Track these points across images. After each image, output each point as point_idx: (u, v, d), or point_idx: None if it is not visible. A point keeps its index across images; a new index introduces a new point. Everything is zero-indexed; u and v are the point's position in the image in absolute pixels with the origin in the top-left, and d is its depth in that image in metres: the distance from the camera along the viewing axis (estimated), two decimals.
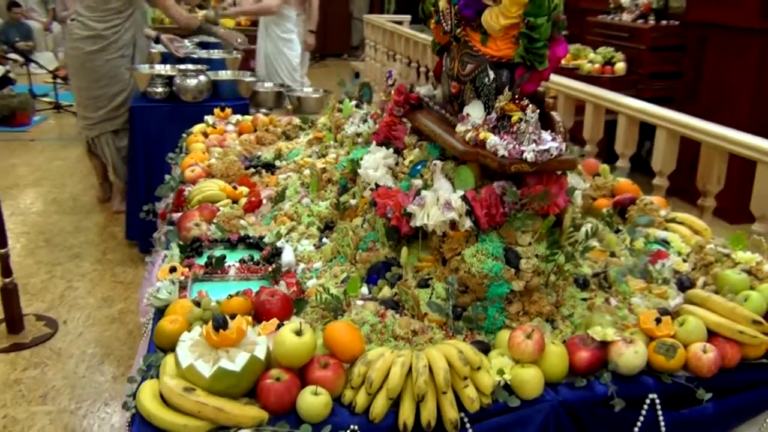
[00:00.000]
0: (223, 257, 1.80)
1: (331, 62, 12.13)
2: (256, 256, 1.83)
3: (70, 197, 4.93)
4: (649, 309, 1.57)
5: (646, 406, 1.39)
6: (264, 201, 2.28)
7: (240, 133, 3.08)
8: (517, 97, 1.58)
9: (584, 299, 1.59)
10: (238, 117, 3.24)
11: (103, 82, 3.93)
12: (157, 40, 4.29)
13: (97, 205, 4.76)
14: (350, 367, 1.32)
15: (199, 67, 3.97)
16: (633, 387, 1.40)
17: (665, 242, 1.96)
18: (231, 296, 1.54)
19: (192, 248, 1.87)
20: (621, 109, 2.94)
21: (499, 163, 1.49)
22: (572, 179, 1.61)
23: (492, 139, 1.53)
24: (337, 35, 12.40)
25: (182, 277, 1.70)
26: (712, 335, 1.48)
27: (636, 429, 1.39)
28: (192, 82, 3.82)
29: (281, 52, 5.37)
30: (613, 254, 1.81)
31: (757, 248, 1.77)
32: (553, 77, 3.52)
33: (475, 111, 1.70)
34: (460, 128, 1.66)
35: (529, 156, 1.47)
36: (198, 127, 3.11)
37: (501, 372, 1.34)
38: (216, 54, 4.83)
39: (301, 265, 1.81)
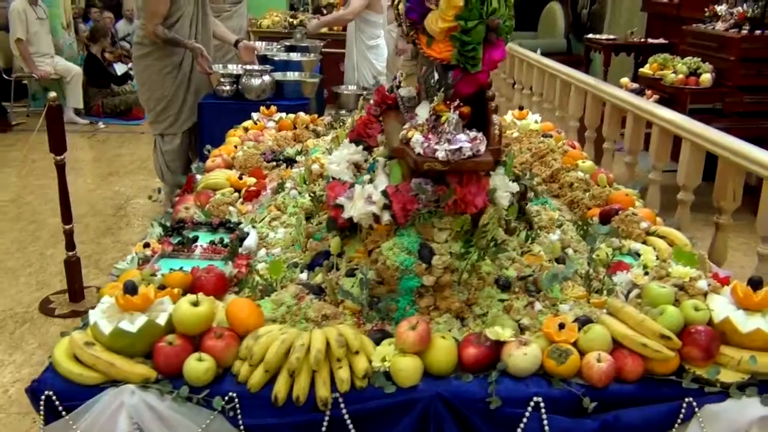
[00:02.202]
0: (196, 238, 1.97)
1: None
2: (227, 239, 1.98)
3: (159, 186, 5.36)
4: (571, 316, 1.56)
5: (530, 408, 1.39)
6: (268, 192, 2.43)
7: (279, 130, 3.26)
8: (449, 98, 1.62)
9: (502, 300, 1.60)
10: (282, 115, 3.43)
11: (145, 88, 4.16)
12: (236, 45, 4.58)
13: None
14: (242, 340, 1.43)
15: (264, 67, 4.21)
16: (520, 388, 1.40)
17: (638, 254, 1.92)
18: (172, 270, 1.70)
19: (173, 228, 2.05)
20: (655, 120, 2.83)
21: (414, 161, 1.54)
22: (500, 181, 1.62)
23: (415, 138, 1.58)
24: None
25: (150, 253, 1.88)
26: (618, 346, 1.45)
27: (519, 429, 1.39)
28: (256, 81, 4.07)
29: (366, 58, 5.51)
30: (561, 260, 1.80)
31: (702, 265, 1.69)
32: (613, 90, 3.44)
33: (422, 111, 1.75)
34: (405, 127, 1.72)
35: (440, 154, 1.51)
36: (246, 123, 3.33)
37: (383, 359, 1.40)
38: (294, 56, 5.07)
39: (263, 250, 1.94)
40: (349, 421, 1.38)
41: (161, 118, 4.23)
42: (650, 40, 6.50)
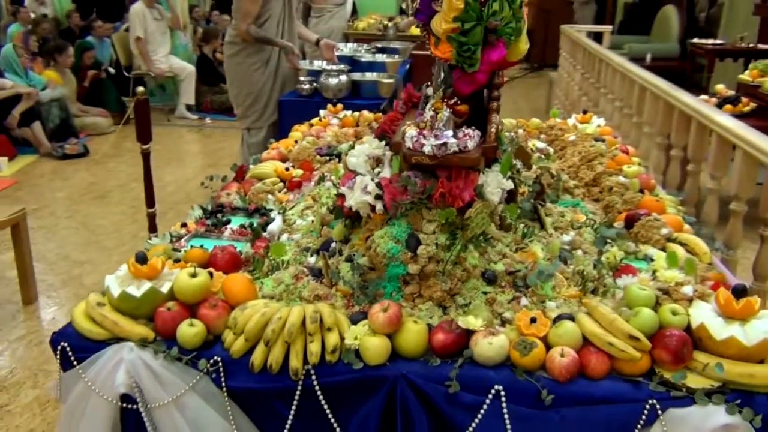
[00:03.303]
0: (228, 221, 2.15)
1: (549, 72, 12.03)
2: (256, 223, 2.14)
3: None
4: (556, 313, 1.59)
5: (491, 396, 1.44)
6: (311, 183, 2.58)
7: (342, 127, 3.41)
8: (447, 96, 1.69)
9: (486, 293, 1.65)
10: (347, 113, 3.58)
11: (235, 84, 4.44)
12: (317, 44, 4.79)
13: None
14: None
15: (341, 67, 4.39)
16: (484, 376, 1.46)
17: (651, 259, 1.90)
18: (193, 247, 1.87)
19: (212, 212, 2.23)
20: (713, 126, 2.72)
21: (403, 155, 1.63)
22: (492, 178, 1.67)
23: (409, 132, 1.66)
24: (555, 45, 12.23)
25: (184, 232, 2.07)
26: (587, 344, 1.47)
27: (479, 415, 1.44)
28: (333, 81, 4.25)
29: None
30: (563, 260, 1.82)
31: (690, 269, 1.66)
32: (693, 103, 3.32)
33: (429, 109, 1.83)
34: (407, 123, 1.80)
35: (426, 149, 1.59)
36: (314, 120, 3.51)
37: (356, 338, 1.49)
38: (380, 57, 5.22)
39: (285, 235, 2.09)
40: (319, 392, 1.48)
41: (249, 112, 4.52)
42: (761, 46, 6.13)
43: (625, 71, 4.31)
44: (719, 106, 4.67)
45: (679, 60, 9.01)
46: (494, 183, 1.66)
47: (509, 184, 1.70)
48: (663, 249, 1.97)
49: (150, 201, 3.72)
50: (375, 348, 1.46)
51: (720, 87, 4.95)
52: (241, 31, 4.23)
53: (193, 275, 1.58)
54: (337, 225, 1.84)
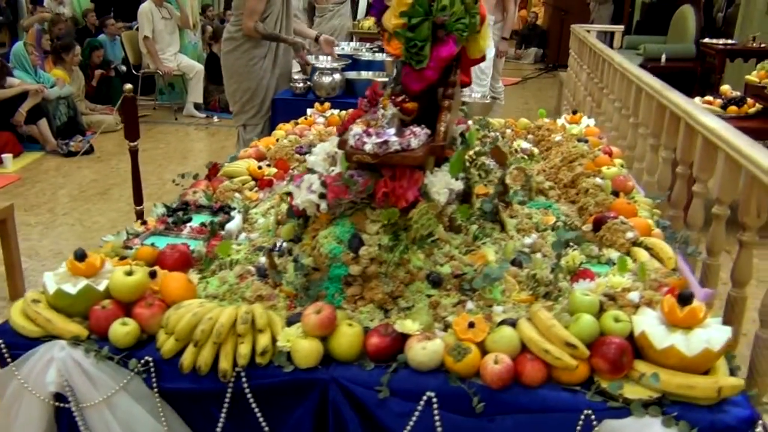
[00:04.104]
0: (189, 219, 2.13)
1: (561, 72, 11.93)
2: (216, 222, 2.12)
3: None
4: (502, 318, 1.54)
5: (422, 402, 1.39)
6: (283, 182, 2.55)
7: (327, 126, 3.38)
8: (396, 93, 1.65)
9: (431, 296, 1.60)
10: (333, 112, 3.54)
11: (233, 80, 4.43)
12: (317, 40, 4.77)
13: None
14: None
15: (335, 65, 4.36)
16: (417, 382, 1.41)
17: (614, 263, 1.84)
18: (143, 245, 1.85)
19: (175, 209, 2.21)
20: (698, 127, 2.64)
21: (346, 153, 1.59)
22: (440, 178, 1.62)
23: (353, 130, 1.62)
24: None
25: (142, 229, 2.05)
26: (525, 350, 1.42)
27: (411, 422, 1.40)
28: (326, 79, 4.22)
29: None
30: (518, 263, 1.76)
31: (641, 275, 1.60)
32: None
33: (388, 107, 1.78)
34: (358, 121, 1.77)
35: (367, 147, 1.55)
36: (301, 119, 3.49)
37: (288, 340, 1.46)
38: (379, 56, 5.18)
39: (243, 234, 2.06)
40: (249, 394, 1.45)
41: (246, 108, 4.52)
42: None
43: (623, 71, 4.22)
44: (724, 107, 4.57)
45: (695, 61, 8.84)
46: (441, 183, 1.62)
47: (458, 185, 1.65)
48: (627, 253, 1.91)
49: (138, 198, 3.72)
50: (305, 351, 1.43)
51: (725, 88, 4.84)
52: (248, 28, 4.23)
53: (129, 273, 1.55)
54: (287, 224, 1.81)
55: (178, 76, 7.83)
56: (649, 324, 1.39)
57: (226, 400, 1.46)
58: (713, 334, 1.35)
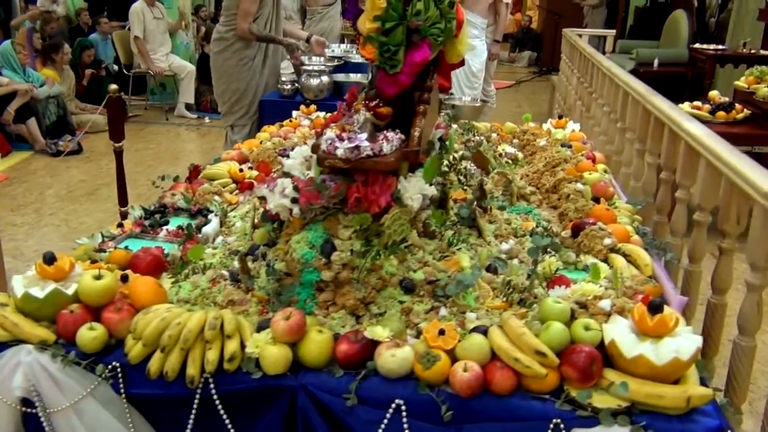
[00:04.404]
0: (166, 222, 2.11)
1: (553, 76, 11.95)
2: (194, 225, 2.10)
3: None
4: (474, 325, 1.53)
5: (391, 410, 1.38)
6: (264, 185, 2.53)
7: (312, 128, 3.37)
8: (369, 98, 1.64)
9: (402, 302, 1.59)
10: (320, 114, 3.53)
11: (222, 81, 4.41)
12: (308, 41, 4.74)
13: None
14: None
15: (322, 67, 4.35)
16: (386, 389, 1.40)
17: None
18: (116, 248, 1.83)
19: (152, 212, 2.20)
20: (680, 132, 2.63)
21: (318, 157, 1.58)
22: (413, 183, 1.61)
23: (327, 135, 1.61)
24: None
25: (118, 232, 2.03)
26: (495, 358, 1.41)
27: (380, 430, 1.38)
28: (314, 81, 4.21)
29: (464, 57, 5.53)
30: (493, 269, 1.75)
31: (615, 282, 1.59)
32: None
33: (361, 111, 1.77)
34: (332, 125, 1.75)
35: (339, 152, 1.54)
36: (286, 121, 3.47)
37: (257, 346, 1.45)
38: None
39: (220, 237, 2.04)
40: (217, 401, 1.44)
41: (235, 108, 4.50)
42: (762, 51, 5.99)
43: (611, 75, 4.22)
44: (712, 112, 4.57)
45: (687, 65, 8.86)
46: (414, 188, 1.61)
47: (432, 190, 1.64)
48: (605, 259, 1.91)
49: (123, 199, 3.70)
50: (273, 357, 1.41)
51: (714, 93, 4.84)
52: (242, 29, 4.21)
53: (98, 277, 1.54)
54: (260, 228, 1.80)
55: (170, 76, 7.81)
56: (619, 332, 1.38)
57: (194, 406, 1.45)
58: (683, 343, 1.34)
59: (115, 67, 7.90)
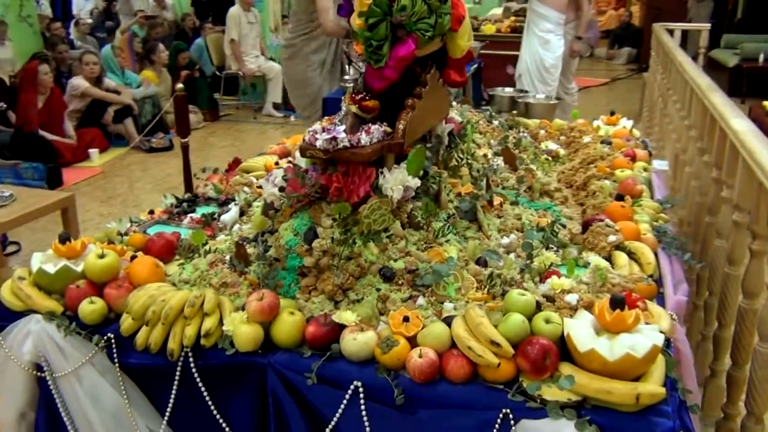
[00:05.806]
0: (193, 210, 2.25)
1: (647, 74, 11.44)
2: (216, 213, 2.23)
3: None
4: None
5: (350, 391, 1.43)
6: None
7: None
8: (357, 91, 1.69)
9: (379, 290, 1.63)
10: None
11: (294, 87, 4.53)
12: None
13: None
14: None
15: None
16: (347, 371, 1.45)
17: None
18: (135, 232, 1.98)
19: (183, 200, 2.35)
20: (728, 131, 2.50)
21: (300, 148, 1.65)
22: (396, 175, 1.64)
23: (313, 127, 1.68)
24: None
25: (147, 218, 2.19)
26: (453, 346, 1.43)
27: (340, 408, 1.44)
28: None
29: (536, 51, 5.50)
30: (483, 262, 1.76)
31: (600, 278, 1.55)
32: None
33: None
34: (325, 117, 1.82)
35: (318, 143, 1.60)
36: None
37: (232, 324, 1.54)
38: None
39: (237, 225, 2.16)
40: (195, 374, 1.54)
41: (310, 112, 4.62)
42: None
43: (682, 70, 4.04)
44: None
45: None
46: (396, 180, 1.64)
47: (415, 182, 1.67)
48: (608, 257, 1.87)
49: (189, 191, 3.93)
50: (244, 335, 1.50)
51: None
52: (328, 28, 4.11)
53: (102, 256, 1.68)
54: (258, 216, 1.89)
55: (259, 76, 8.14)
56: (575, 326, 1.37)
57: (176, 377, 1.56)
58: (639, 340, 1.31)
59: (214, 68, 8.32)
